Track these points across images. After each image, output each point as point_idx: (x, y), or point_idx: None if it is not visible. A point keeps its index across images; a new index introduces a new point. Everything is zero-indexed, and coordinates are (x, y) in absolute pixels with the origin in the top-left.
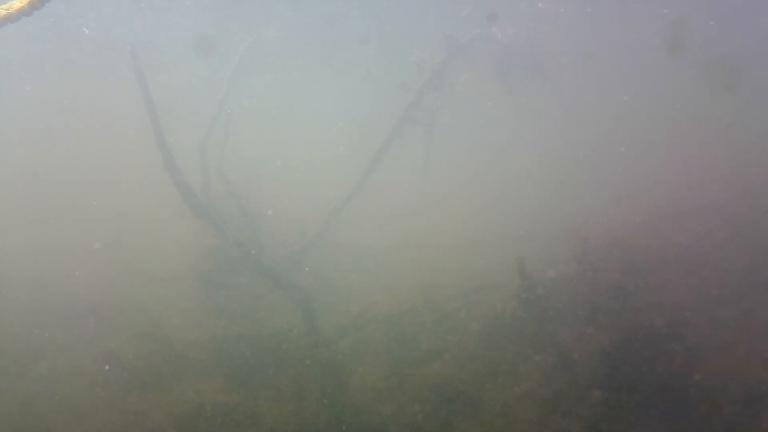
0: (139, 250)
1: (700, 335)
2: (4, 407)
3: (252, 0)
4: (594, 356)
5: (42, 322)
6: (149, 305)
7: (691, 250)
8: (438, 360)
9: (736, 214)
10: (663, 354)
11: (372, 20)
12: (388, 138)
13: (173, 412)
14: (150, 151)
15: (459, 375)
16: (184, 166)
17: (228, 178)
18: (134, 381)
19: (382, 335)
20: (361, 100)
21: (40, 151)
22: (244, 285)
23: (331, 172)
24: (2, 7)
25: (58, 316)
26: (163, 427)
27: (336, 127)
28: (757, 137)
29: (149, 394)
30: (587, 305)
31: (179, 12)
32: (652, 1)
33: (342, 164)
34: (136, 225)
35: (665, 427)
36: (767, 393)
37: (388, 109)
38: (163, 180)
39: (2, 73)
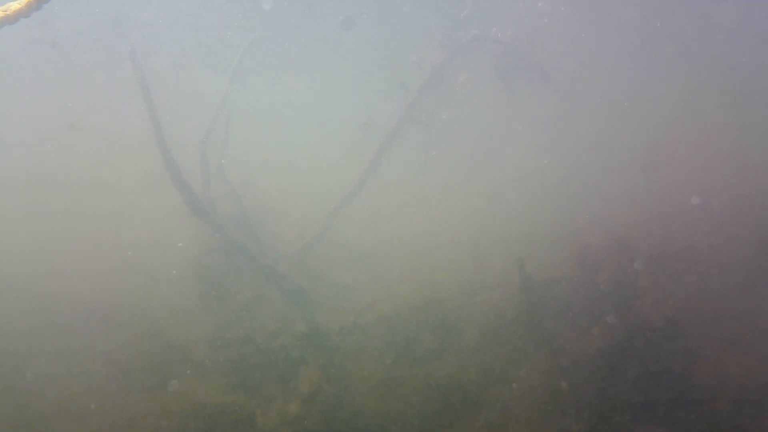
0: (139, 250)
1: (701, 335)
2: (4, 408)
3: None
4: (594, 356)
5: (42, 323)
6: (149, 305)
7: (691, 250)
8: (438, 360)
9: (736, 213)
10: (663, 354)
11: (372, 19)
12: (388, 138)
13: (173, 412)
14: (150, 151)
15: (459, 375)
16: (184, 166)
17: (228, 178)
18: (134, 381)
19: (383, 335)
20: (361, 100)
21: (39, 151)
22: (243, 285)
23: (331, 171)
24: (0, 8)
25: (57, 316)
26: (162, 427)
27: (336, 127)
28: (757, 137)
29: (149, 395)
30: (587, 305)
31: (180, 11)
32: (652, 0)
33: (342, 164)
34: (136, 225)
35: (665, 427)
36: (767, 393)
37: (388, 109)
38: (163, 180)
39: (1, 73)
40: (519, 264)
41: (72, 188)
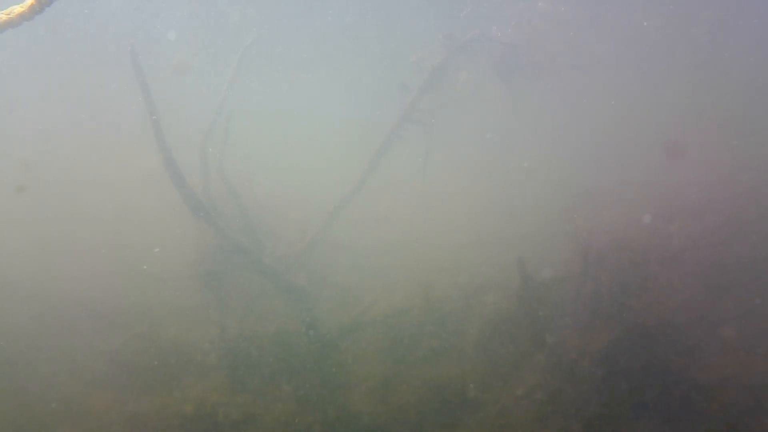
0: (139, 250)
1: (701, 335)
2: (4, 408)
3: None
4: (594, 356)
5: (42, 323)
6: (149, 305)
7: (691, 250)
8: (438, 360)
9: (736, 213)
10: (663, 353)
11: (371, 20)
12: (388, 138)
13: (173, 412)
14: (150, 151)
15: (459, 375)
16: (184, 166)
17: (228, 178)
18: (134, 382)
19: (383, 335)
20: (361, 100)
21: (39, 151)
22: (243, 285)
23: (331, 172)
24: (3, 11)
25: (58, 316)
26: (163, 427)
27: (336, 127)
28: (757, 137)
29: (149, 395)
30: (587, 305)
31: (180, 11)
32: (652, 0)
33: (342, 164)
34: (136, 225)
35: (665, 427)
36: (767, 393)
37: (388, 109)
38: (163, 180)
39: (2, 73)
40: (519, 263)
41: (71, 188)
